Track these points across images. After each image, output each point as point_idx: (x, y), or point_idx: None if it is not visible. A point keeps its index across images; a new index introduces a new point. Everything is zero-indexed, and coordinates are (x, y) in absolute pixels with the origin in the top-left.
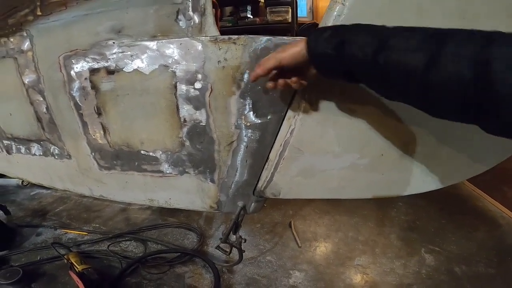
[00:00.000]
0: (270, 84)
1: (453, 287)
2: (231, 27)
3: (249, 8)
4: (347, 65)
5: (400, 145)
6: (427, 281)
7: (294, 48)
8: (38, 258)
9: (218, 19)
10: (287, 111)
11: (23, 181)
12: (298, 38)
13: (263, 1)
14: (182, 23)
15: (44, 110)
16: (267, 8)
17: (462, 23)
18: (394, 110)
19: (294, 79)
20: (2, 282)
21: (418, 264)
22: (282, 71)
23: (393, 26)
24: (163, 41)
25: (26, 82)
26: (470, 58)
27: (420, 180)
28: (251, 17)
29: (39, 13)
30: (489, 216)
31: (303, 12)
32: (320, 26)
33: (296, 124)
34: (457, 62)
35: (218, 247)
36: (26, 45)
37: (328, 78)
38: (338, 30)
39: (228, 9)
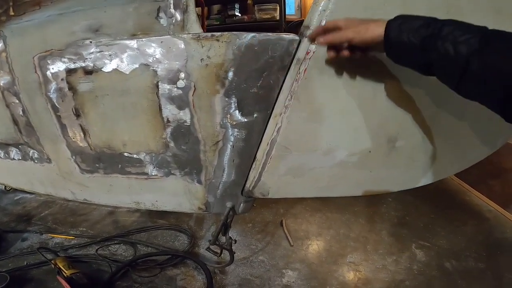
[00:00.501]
0: (331, 54)
1: (445, 282)
2: (218, 25)
3: (237, 6)
4: (431, 58)
5: (387, 141)
6: (419, 277)
7: (374, 31)
8: (25, 263)
9: (204, 17)
10: (273, 109)
11: (5, 186)
12: (285, 34)
13: None
14: (163, 21)
15: (21, 112)
16: (255, 6)
17: (447, 17)
18: (381, 107)
19: (358, 53)
20: None
21: (409, 260)
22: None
23: (492, 29)
24: (144, 39)
25: (0, 84)
26: None
27: (409, 175)
28: (239, 15)
29: (12, 13)
30: (477, 210)
31: (291, 10)
32: (305, 21)
33: (283, 122)
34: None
35: (208, 249)
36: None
37: (400, 65)
38: (431, 22)
39: (215, 7)
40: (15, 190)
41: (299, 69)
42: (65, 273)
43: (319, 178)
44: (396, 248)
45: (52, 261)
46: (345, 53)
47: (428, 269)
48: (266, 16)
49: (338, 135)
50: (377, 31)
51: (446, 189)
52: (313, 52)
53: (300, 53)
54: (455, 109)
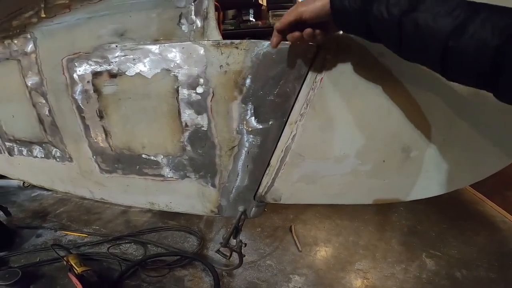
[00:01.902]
0: (289, 37)
1: None
2: (233, 30)
3: (251, 11)
4: (370, 22)
5: (402, 150)
6: (428, 286)
7: (317, 2)
8: (38, 259)
9: (220, 22)
10: (289, 116)
11: (24, 182)
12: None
13: (265, 4)
14: (184, 27)
15: (47, 112)
16: (270, 11)
17: None
18: (396, 117)
19: (307, 30)
20: (0, 283)
21: (418, 269)
22: (304, 26)
23: None
24: (166, 45)
25: (29, 84)
26: (500, 27)
27: (422, 185)
28: (253, 20)
29: (43, 15)
30: (490, 221)
31: None
32: None
33: (298, 130)
34: (486, 30)
35: (218, 251)
36: (30, 47)
37: (347, 33)
38: None
39: (230, 12)
40: (33, 187)
41: (316, 78)
42: (77, 270)
43: (332, 185)
44: (405, 257)
45: (65, 258)
46: (307, 31)
47: (437, 278)
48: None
49: (352, 143)
50: (323, 0)
51: (460, 199)
52: (330, 62)
53: (317, 63)
54: (471, 118)
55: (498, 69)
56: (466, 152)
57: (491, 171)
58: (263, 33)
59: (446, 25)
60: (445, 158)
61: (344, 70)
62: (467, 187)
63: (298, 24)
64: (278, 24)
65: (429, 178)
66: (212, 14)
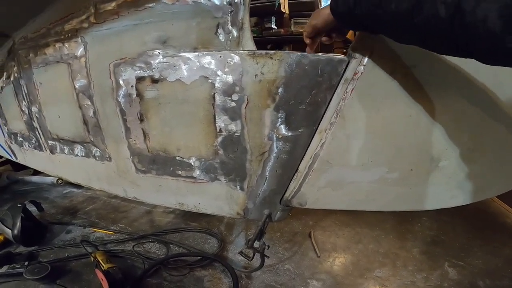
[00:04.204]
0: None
1: None
2: (255, 37)
3: (273, 19)
4: (359, 20)
5: (430, 160)
6: None
7: (324, 11)
8: (66, 255)
9: None
10: (319, 125)
11: (58, 179)
12: (334, 55)
13: (287, 12)
14: (221, 37)
15: (91, 114)
16: (292, 19)
17: None
18: (425, 127)
19: (324, 39)
20: (29, 277)
21: (440, 278)
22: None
23: None
24: (204, 53)
25: (77, 86)
26: (444, 2)
27: (449, 195)
28: (276, 28)
29: (93, 20)
30: None
31: None
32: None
33: (327, 138)
34: (434, 5)
35: (241, 253)
36: (80, 51)
37: (354, 30)
38: None
39: (252, 20)
40: (65, 184)
41: (347, 88)
42: (103, 266)
43: (358, 192)
44: (427, 266)
45: (92, 254)
46: (324, 39)
47: (459, 287)
48: (302, 30)
49: (380, 152)
50: (326, 10)
51: (487, 211)
52: (361, 73)
53: (348, 74)
54: (501, 128)
55: (456, 37)
56: (494, 163)
57: None
58: (285, 41)
59: (406, 7)
60: (473, 168)
61: (375, 81)
62: (494, 199)
63: (317, 33)
64: (305, 39)
65: (456, 188)
66: (248, 25)
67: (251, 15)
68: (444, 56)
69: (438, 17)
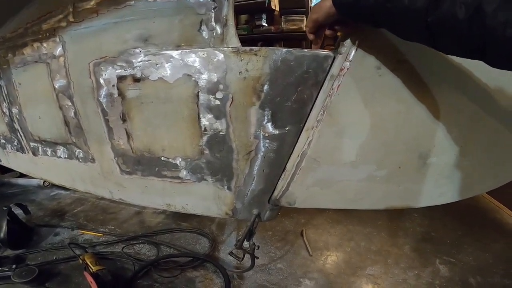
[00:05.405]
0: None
1: None
2: (246, 35)
3: (264, 16)
4: (364, 12)
5: (418, 157)
6: None
7: (324, 5)
8: (54, 257)
9: None
10: (305, 122)
11: (44, 181)
12: (320, 50)
13: (278, 10)
14: (205, 33)
15: (72, 114)
16: (282, 16)
17: None
18: (414, 124)
19: (328, 32)
20: (17, 280)
21: (431, 275)
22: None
23: None
24: (187, 50)
25: (56, 87)
26: (465, 2)
27: (438, 192)
28: (266, 25)
29: (72, 19)
30: (508, 229)
31: None
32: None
33: (314, 136)
34: (453, 5)
35: (231, 253)
36: (59, 50)
37: (356, 21)
38: None
39: (243, 17)
40: (52, 186)
41: (333, 85)
42: (92, 269)
43: (346, 190)
44: (418, 263)
45: (81, 257)
46: (328, 33)
47: (450, 284)
48: (292, 27)
49: (368, 150)
50: (328, 2)
51: (477, 207)
52: (347, 69)
53: (334, 70)
54: (490, 125)
55: (473, 38)
56: (483, 159)
57: (509, 178)
58: (276, 38)
59: (421, 4)
60: (462, 165)
61: (362, 77)
62: (484, 195)
63: (320, 27)
64: (308, 35)
65: (445, 185)
66: (232, 22)
67: (241, 13)
68: (434, 52)
69: (456, 18)
